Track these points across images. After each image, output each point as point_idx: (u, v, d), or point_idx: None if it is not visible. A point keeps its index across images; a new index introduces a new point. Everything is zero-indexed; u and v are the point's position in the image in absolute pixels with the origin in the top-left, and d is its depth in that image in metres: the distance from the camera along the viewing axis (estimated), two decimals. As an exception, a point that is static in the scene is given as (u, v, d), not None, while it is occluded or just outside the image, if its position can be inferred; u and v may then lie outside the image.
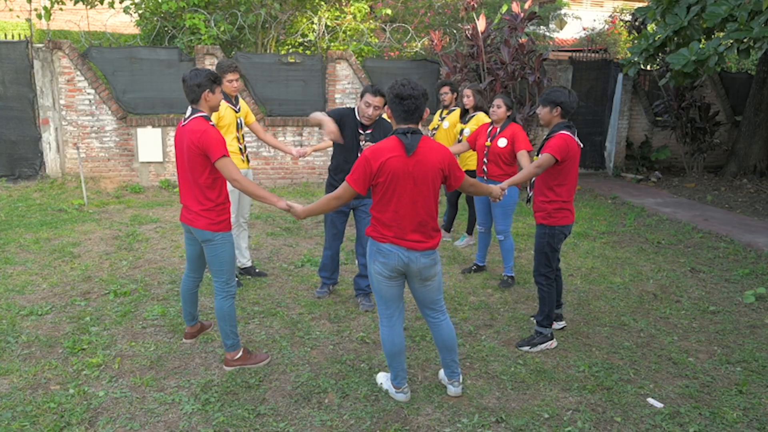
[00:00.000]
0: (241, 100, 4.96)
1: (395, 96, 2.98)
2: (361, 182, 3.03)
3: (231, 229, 3.57)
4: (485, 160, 5.13)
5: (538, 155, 3.96)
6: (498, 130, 5.06)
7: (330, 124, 3.98)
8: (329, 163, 4.83)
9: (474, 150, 5.30)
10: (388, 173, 2.97)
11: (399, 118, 3.03)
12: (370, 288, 4.72)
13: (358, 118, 4.34)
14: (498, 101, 5.04)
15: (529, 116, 8.88)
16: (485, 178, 5.15)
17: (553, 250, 3.99)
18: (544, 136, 3.97)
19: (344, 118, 4.33)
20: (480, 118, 5.76)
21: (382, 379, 3.50)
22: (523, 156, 4.86)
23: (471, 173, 5.66)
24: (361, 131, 4.35)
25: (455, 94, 6.27)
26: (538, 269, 4.05)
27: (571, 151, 3.82)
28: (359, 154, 4.24)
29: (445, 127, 6.19)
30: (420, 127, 3.16)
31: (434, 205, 3.12)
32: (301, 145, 9.51)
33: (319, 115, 4.05)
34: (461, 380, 3.43)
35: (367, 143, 4.29)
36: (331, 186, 4.49)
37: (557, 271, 4.19)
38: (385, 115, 5.12)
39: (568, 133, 3.84)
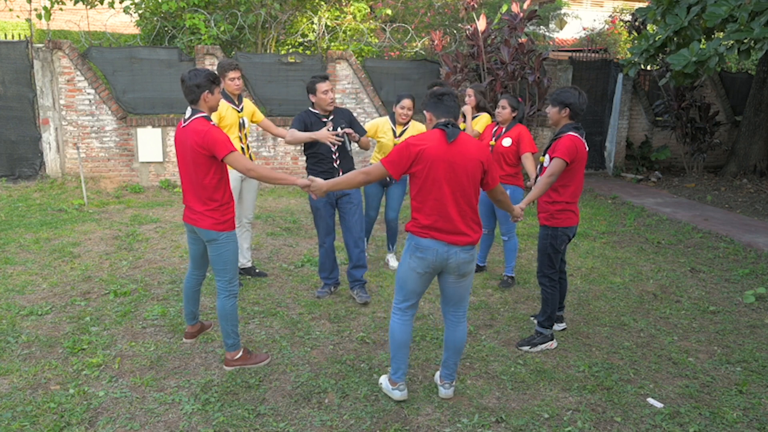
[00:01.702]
0: (246, 99, 4.96)
1: (436, 96, 3.16)
2: (396, 165, 3.06)
3: (235, 228, 3.57)
4: None
5: (544, 155, 3.95)
6: (503, 129, 5.06)
7: (318, 135, 4.36)
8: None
9: None
10: (426, 160, 3.02)
11: (441, 114, 3.14)
12: (365, 278, 4.82)
13: (315, 111, 4.58)
14: (503, 102, 5.04)
15: (529, 116, 8.88)
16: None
17: (555, 251, 3.97)
18: (552, 137, 3.95)
19: (307, 120, 4.57)
20: (487, 118, 5.75)
21: (384, 380, 3.49)
22: (527, 159, 4.84)
23: None
24: (324, 120, 4.56)
25: None
26: (542, 270, 4.04)
27: (579, 152, 3.79)
28: (331, 146, 4.49)
29: None
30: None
31: (474, 198, 3.13)
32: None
33: (301, 136, 4.42)
34: (454, 383, 3.43)
35: (339, 128, 4.53)
36: None
37: (562, 273, 4.19)
38: (411, 118, 5.33)
39: (576, 134, 3.82)
